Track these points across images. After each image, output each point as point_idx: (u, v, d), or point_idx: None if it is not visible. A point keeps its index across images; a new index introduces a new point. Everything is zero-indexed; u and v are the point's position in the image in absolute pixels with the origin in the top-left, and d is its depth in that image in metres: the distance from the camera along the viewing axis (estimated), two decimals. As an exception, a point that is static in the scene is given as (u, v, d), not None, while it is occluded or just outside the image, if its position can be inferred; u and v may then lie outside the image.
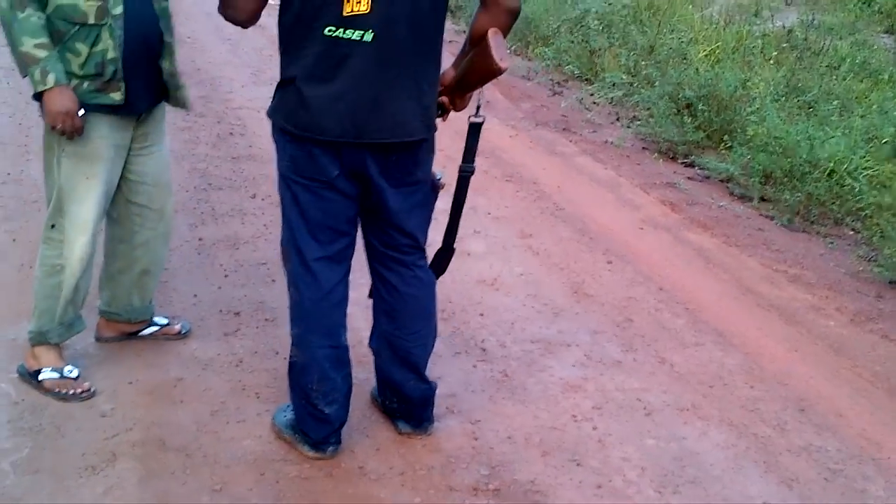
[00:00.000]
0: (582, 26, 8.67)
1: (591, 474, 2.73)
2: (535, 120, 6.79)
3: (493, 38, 2.38)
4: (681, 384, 3.27)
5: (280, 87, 2.46)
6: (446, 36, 2.57)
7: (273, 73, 2.50)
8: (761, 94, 6.35)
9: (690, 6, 9.79)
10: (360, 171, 2.46)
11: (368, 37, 2.31)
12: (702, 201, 5.26)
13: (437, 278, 2.79)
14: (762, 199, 5.28)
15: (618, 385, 3.24)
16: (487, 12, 2.41)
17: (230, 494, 2.54)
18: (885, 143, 5.54)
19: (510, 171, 5.51)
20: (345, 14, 2.29)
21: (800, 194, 5.15)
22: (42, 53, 2.63)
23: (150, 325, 3.27)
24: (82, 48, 2.68)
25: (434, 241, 2.75)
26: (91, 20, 2.67)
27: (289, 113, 2.43)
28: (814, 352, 3.60)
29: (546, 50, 8.51)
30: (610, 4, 9.16)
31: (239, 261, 3.99)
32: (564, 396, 3.14)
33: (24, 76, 2.67)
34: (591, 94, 7.40)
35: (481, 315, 3.68)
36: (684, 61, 7.35)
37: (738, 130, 5.95)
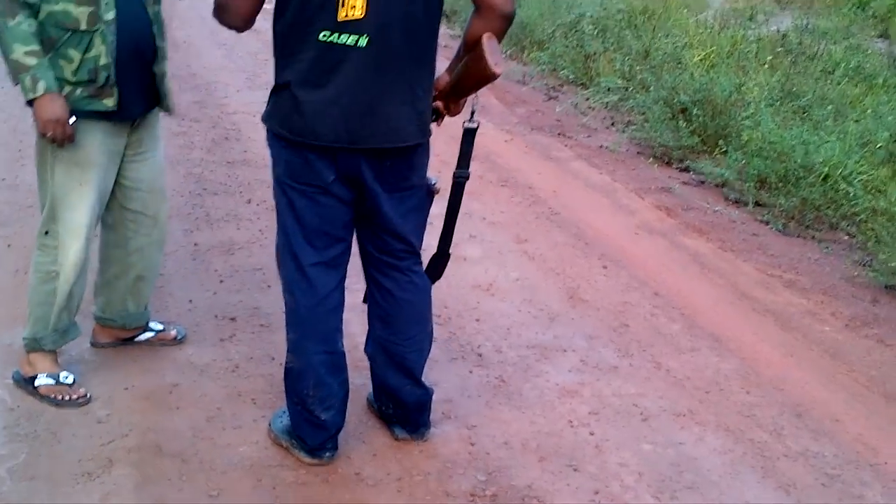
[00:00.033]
0: (577, 31, 8.68)
1: (588, 480, 2.73)
2: (530, 125, 6.80)
3: (488, 43, 2.38)
4: (677, 389, 3.27)
5: (274, 93, 2.46)
6: (441, 41, 2.58)
7: (268, 77, 2.49)
8: (756, 99, 6.35)
9: (685, 11, 9.81)
10: (355, 176, 2.46)
11: (363, 42, 2.31)
12: (697, 206, 5.27)
13: (433, 283, 2.79)
14: (757, 204, 5.28)
15: (614, 390, 3.23)
16: (482, 17, 2.41)
17: (227, 500, 2.53)
18: (880, 147, 5.55)
19: (505, 175, 5.51)
20: (339, 19, 2.29)
21: (795, 199, 5.15)
22: (32, 61, 2.62)
23: (145, 331, 3.27)
24: (75, 54, 2.68)
25: (429, 245, 2.75)
26: (83, 26, 2.66)
27: (283, 118, 2.43)
28: (809, 357, 3.60)
29: (541, 54, 8.52)
30: (605, 9, 9.18)
31: (234, 266, 3.98)
32: (561, 402, 3.14)
33: (16, 84, 2.67)
34: (587, 99, 7.40)
35: (477, 320, 3.68)
36: (679, 66, 7.35)
37: (733, 135, 5.95)
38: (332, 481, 2.63)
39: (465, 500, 2.60)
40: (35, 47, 2.63)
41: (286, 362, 2.65)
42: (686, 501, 2.67)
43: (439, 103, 2.59)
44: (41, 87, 2.63)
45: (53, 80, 2.66)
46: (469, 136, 2.62)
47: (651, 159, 6.08)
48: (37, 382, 2.92)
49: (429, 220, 2.70)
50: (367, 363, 2.84)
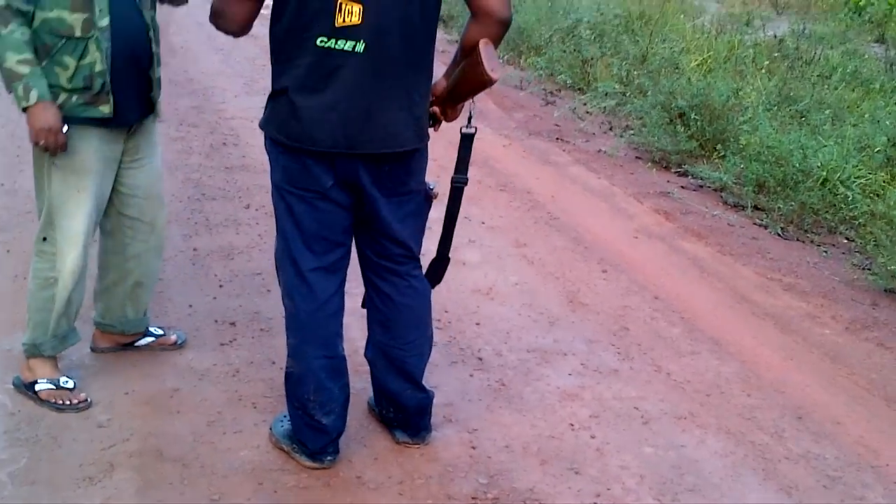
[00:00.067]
0: (574, 36, 8.70)
1: (589, 483, 2.73)
2: (528, 129, 6.81)
3: (485, 48, 2.38)
4: (678, 392, 3.27)
5: (272, 98, 2.46)
6: (438, 46, 2.58)
7: (266, 82, 2.50)
8: (753, 104, 6.38)
9: (682, 16, 9.84)
10: (353, 181, 2.46)
11: (360, 48, 2.31)
12: (695, 210, 5.28)
13: (433, 288, 2.78)
14: (756, 208, 5.29)
15: (615, 394, 3.23)
16: (478, 23, 2.40)
17: (227, 505, 2.53)
18: (878, 151, 5.56)
19: (504, 180, 5.52)
20: (337, 25, 2.29)
21: (793, 203, 5.16)
22: (25, 69, 2.62)
23: (145, 336, 3.26)
24: (70, 61, 2.67)
25: (429, 250, 2.75)
26: (78, 33, 2.66)
27: (281, 124, 2.43)
28: (810, 360, 3.60)
29: (538, 60, 8.54)
30: (602, 14, 9.20)
31: (233, 271, 3.98)
32: (562, 405, 3.14)
33: (9, 92, 2.67)
34: (584, 104, 7.42)
35: (477, 324, 3.68)
36: (676, 71, 7.38)
37: (731, 139, 5.97)
38: (333, 485, 2.63)
39: (467, 504, 2.60)
40: (28, 55, 2.62)
41: (287, 367, 2.65)
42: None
43: (436, 108, 2.59)
44: (34, 95, 2.62)
45: (46, 88, 2.65)
46: (467, 141, 2.62)
47: (649, 164, 6.09)
48: (37, 387, 2.91)
49: (428, 224, 2.71)
50: (367, 367, 2.84)
